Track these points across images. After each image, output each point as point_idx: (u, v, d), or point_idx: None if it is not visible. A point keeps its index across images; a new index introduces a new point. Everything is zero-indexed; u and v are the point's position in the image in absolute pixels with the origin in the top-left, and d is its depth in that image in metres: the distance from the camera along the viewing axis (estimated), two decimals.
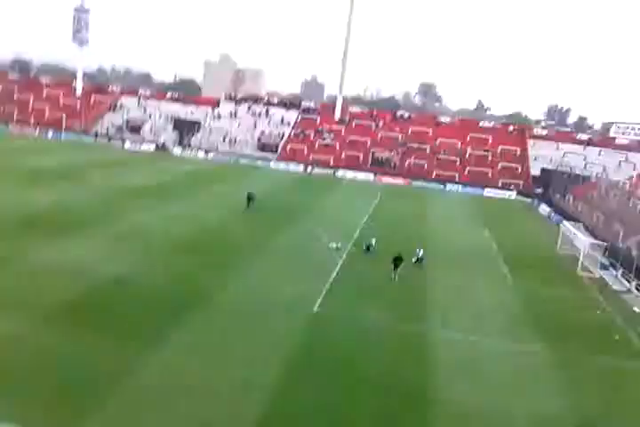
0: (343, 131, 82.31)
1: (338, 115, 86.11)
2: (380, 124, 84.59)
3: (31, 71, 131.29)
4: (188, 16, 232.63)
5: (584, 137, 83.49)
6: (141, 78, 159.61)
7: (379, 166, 74.34)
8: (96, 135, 79.03)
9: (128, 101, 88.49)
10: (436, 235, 41.43)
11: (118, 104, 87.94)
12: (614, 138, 77.44)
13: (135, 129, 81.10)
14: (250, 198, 42.61)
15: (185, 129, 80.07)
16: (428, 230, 42.98)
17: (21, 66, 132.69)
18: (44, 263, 25.28)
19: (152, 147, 75.78)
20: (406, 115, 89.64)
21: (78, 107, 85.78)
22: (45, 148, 65.16)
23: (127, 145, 75.90)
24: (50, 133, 78.62)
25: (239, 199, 42.93)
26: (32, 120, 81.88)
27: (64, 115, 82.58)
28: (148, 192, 44.47)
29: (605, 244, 36.29)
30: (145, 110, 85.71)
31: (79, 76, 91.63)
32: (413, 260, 31.71)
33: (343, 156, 76.25)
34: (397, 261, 28.82)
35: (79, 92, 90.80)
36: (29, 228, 30.51)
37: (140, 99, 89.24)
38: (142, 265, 26.63)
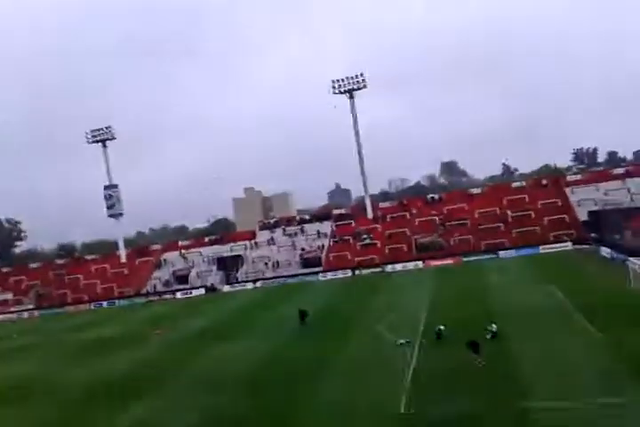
0: (380, 227, 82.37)
1: (370, 214, 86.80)
2: (414, 211, 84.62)
3: (76, 252, 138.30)
4: (204, 164, 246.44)
5: (620, 171, 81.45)
6: (178, 230, 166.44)
7: (425, 252, 73.14)
8: (147, 294, 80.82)
9: (170, 255, 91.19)
10: (504, 303, 39.17)
11: (162, 260, 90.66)
12: None
13: (182, 279, 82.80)
14: (302, 315, 41.81)
15: (228, 266, 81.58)
16: (493, 301, 40.75)
17: (67, 249, 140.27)
18: None
19: (202, 291, 76.96)
20: (437, 196, 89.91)
21: (125, 273, 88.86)
22: (102, 318, 66.37)
23: (178, 295, 77.24)
24: (104, 304, 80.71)
25: (295, 319, 42.05)
26: (86, 297, 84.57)
27: (114, 284, 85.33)
28: (207, 335, 44.00)
29: None
30: (188, 259, 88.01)
31: (120, 245, 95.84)
32: (488, 336, 29.76)
33: (387, 251, 75.59)
34: (473, 346, 26.76)
35: (123, 259, 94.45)
36: (100, 396, 30.30)
37: (180, 250, 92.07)
38: (220, 409, 25.48)
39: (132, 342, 46.01)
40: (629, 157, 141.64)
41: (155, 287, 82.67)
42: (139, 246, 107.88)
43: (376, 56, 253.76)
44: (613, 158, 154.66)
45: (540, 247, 67.03)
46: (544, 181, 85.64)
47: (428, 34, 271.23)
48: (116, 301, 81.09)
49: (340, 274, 72.33)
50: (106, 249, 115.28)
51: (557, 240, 67.92)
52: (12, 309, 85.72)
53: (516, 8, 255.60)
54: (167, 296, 78.01)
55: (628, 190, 71.12)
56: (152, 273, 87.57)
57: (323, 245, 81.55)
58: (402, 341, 32.13)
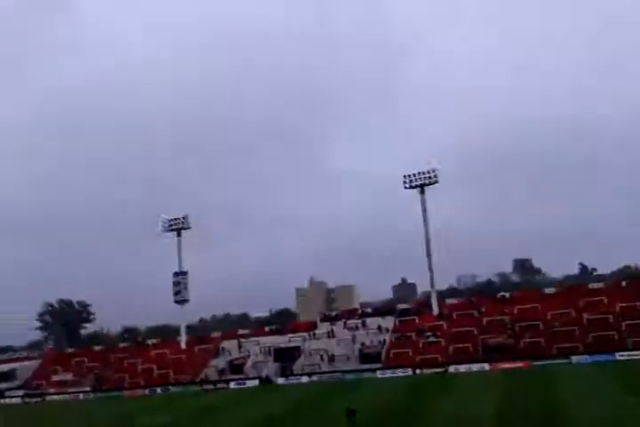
0: (445, 325, 78.78)
1: (436, 310, 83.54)
2: (483, 309, 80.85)
3: (140, 336, 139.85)
4: (270, 252, 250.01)
5: None
6: (240, 319, 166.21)
7: (492, 353, 68.71)
8: (201, 382, 79.06)
9: (229, 344, 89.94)
10: (581, 416, 34.76)
11: (220, 349, 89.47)
12: None
13: (238, 368, 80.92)
14: (350, 414, 39.08)
15: (285, 357, 79.52)
16: (568, 412, 36.41)
17: (131, 333, 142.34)
18: None
19: (256, 382, 74.74)
20: (508, 295, 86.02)
21: (183, 359, 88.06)
22: (155, 405, 65.02)
23: (232, 385, 75.24)
24: (158, 390, 79.40)
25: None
26: (142, 382, 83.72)
27: (171, 371, 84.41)
28: None
29: None
30: (245, 349, 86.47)
31: (182, 331, 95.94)
32: None
33: (451, 350, 71.60)
34: None
35: (183, 345, 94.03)
36: None
37: (239, 339, 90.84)
38: None
39: None
40: None
41: (207, 376, 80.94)
42: (199, 334, 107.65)
43: (450, 151, 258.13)
44: None
45: (617, 354, 62.02)
46: (623, 283, 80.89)
47: (505, 129, 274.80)
48: (170, 387, 79.67)
49: (399, 372, 68.65)
50: (168, 334, 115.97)
51: (636, 347, 62.42)
52: (70, 389, 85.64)
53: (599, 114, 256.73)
54: (221, 385, 76.06)
55: None
56: (209, 361, 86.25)
57: (384, 341, 78.34)
58: None
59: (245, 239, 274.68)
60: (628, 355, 61.43)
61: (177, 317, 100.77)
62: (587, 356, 63.34)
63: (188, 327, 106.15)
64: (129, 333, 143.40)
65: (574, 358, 63.40)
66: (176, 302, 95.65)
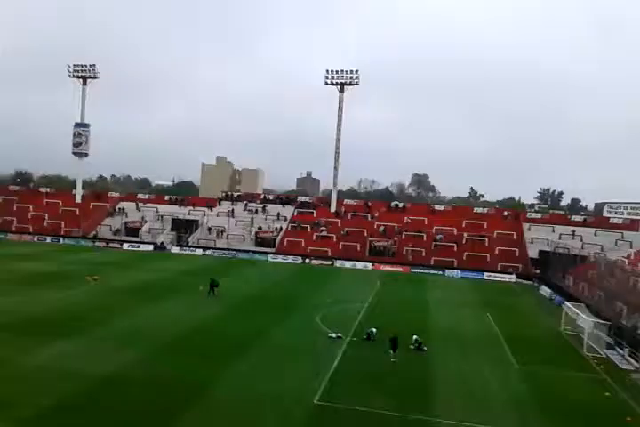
0: (340, 223, 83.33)
1: (333, 208, 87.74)
2: (376, 214, 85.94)
3: (32, 183, 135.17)
4: (185, 124, 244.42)
5: (578, 218, 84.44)
6: (140, 183, 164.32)
7: (377, 255, 74.50)
8: (94, 239, 79.84)
9: (127, 206, 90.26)
10: (438, 321, 40.56)
11: (117, 209, 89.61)
12: (608, 218, 78.22)
13: (133, 231, 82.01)
14: (212, 285, 43.17)
15: (182, 228, 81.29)
16: (429, 317, 42.12)
17: (23, 178, 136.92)
18: (39, 364, 24.71)
19: (150, 247, 76.31)
20: (401, 205, 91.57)
21: (77, 213, 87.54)
22: (43, 253, 65.45)
23: (125, 246, 76.49)
24: (48, 239, 79.42)
25: (236, 293, 42.67)
26: (31, 228, 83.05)
27: (63, 222, 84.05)
28: (143, 292, 44.15)
29: (609, 323, 35.45)
30: (143, 213, 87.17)
31: (78, 185, 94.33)
32: (412, 347, 31.03)
33: (341, 247, 76.58)
34: (393, 342, 29.25)
35: (78, 199, 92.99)
36: (28, 329, 30.34)
37: (137, 203, 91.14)
38: (136, 364, 25.82)
39: (66, 282, 45.88)
40: (590, 206, 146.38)
41: (100, 234, 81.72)
42: (97, 191, 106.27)
43: (376, 59, 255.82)
44: (575, 205, 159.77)
45: (485, 274, 69.06)
46: (505, 213, 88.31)
47: (428, 48, 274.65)
48: (61, 238, 79.86)
49: (290, 259, 72.94)
50: (63, 186, 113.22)
51: (503, 271, 70.07)
52: None
53: (518, 44, 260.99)
54: (114, 245, 77.17)
55: (581, 238, 73.81)
56: (104, 219, 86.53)
57: (280, 228, 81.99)
58: (333, 335, 33.04)
59: (161, 103, 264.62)
60: (494, 277, 68.69)
61: (74, 170, 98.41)
62: (459, 271, 70.01)
63: (85, 183, 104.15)
64: (21, 177, 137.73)
65: (448, 272, 69.99)
66: (74, 153, 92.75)
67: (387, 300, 48.19)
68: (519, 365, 29.92)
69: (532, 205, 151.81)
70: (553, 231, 78.09)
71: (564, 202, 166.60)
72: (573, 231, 76.77)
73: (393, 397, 23.64)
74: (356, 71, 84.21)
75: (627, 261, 57.51)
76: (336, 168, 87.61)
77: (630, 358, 32.16)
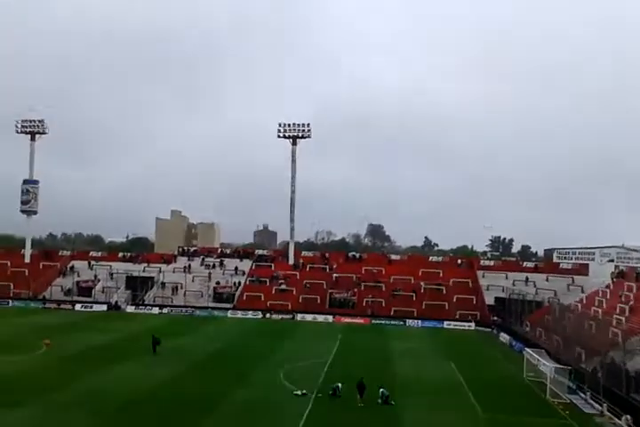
0: (298, 275, 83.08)
1: (291, 260, 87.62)
2: (334, 266, 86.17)
3: None
4: (137, 179, 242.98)
5: (530, 265, 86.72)
6: (92, 241, 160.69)
7: (338, 307, 74.26)
8: (44, 300, 76.95)
9: (78, 264, 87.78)
10: (403, 371, 40.44)
11: (68, 268, 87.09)
12: (558, 263, 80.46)
13: (86, 291, 79.50)
14: (155, 343, 42.72)
15: (138, 287, 79.49)
16: (394, 367, 41.98)
17: None
18: None
19: (104, 307, 74.00)
20: (358, 255, 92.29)
21: (26, 273, 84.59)
22: None
23: (77, 307, 73.86)
24: None
25: (196, 351, 41.69)
26: None
27: (11, 283, 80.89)
28: (96, 355, 42.64)
29: (569, 368, 36.04)
30: (96, 272, 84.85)
31: (27, 243, 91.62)
32: (380, 401, 30.80)
33: (301, 300, 76.06)
34: (360, 388, 30.68)
35: (27, 259, 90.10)
36: None
37: (90, 261, 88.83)
38: None
39: (18, 347, 43.87)
40: (540, 253, 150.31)
41: (51, 295, 78.81)
42: (47, 249, 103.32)
43: (325, 110, 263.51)
44: (526, 251, 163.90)
45: (445, 322, 69.48)
46: (459, 261, 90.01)
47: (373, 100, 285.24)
48: (10, 301, 76.75)
49: (250, 314, 71.79)
50: (11, 245, 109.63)
51: (462, 319, 70.69)
52: None
53: (456, 91, 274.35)
54: (65, 306, 74.44)
55: (534, 284, 75.50)
56: (55, 279, 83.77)
57: (239, 283, 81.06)
58: (299, 392, 32.46)
59: (113, 158, 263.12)
60: (454, 325, 69.15)
61: (23, 228, 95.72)
62: (419, 321, 70.13)
63: (35, 241, 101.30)
64: None
65: (408, 322, 70.05)
66: (23, 211, 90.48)
67: (350, 353, 47.83)
68: (483, 412, 29.95)
69: (484, 253, 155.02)
70: (506, 278, 79.60)
71: (515, 249, 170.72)
72: (527, 277, 78.49)
73: None
74: (308, 124, 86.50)
75: (579, 305, 58.97)
76: (292, 220, 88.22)
77: (593, 402, 32.61)
